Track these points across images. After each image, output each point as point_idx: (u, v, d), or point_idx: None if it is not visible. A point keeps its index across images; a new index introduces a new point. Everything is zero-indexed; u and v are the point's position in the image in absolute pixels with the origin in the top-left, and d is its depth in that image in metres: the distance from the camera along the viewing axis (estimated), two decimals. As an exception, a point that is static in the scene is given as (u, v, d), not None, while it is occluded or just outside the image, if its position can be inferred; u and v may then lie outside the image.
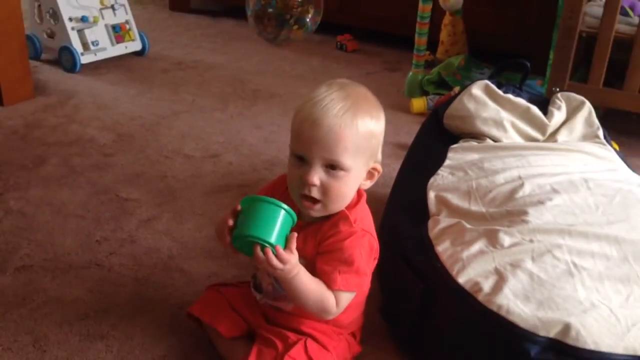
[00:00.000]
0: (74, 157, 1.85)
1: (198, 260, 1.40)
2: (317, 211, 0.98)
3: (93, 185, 1.70)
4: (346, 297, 0.99)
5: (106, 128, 2.05)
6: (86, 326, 1.19)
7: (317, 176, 0.94)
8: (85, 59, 2.51)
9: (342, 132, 0.92)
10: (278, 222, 0.93)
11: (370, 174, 1.02)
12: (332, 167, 0.95)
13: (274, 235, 0.92)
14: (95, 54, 2.56)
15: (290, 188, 1.00)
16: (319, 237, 1.00)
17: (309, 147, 0.94)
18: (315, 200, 0.97)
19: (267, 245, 0.91)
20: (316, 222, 1.02)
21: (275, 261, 0.91)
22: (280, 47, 2.96)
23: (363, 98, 0.97)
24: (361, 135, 0.94)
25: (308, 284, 0.96)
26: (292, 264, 0.93)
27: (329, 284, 0.98)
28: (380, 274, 1.30)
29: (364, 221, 1.02)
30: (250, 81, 2.53)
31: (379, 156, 1.02)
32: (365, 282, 1.02)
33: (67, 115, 2.13)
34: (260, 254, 0.91)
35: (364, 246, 0.99)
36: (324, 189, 0.95)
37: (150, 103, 2.27)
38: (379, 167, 1.02)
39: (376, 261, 1.05)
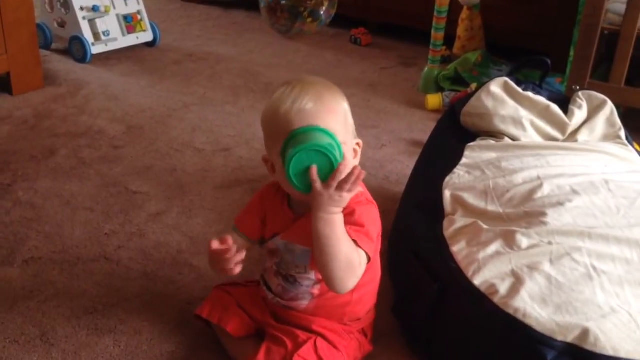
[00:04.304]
0: (84, 149, 1.83)
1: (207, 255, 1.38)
2: None
3: (102, 177, 1.69)
4: (364, 258, 0.97)
5: (116, 120, 2.04)
6: (94, 320, 1.18)
7: None
8: (96, 49, 2.50)
9: (331, 107, 0.95)
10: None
11: (355, 152, 1.01)
12: None
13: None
14: (106, 44, 2.54)
15: (286, 186, 0.97)
16: None
17: None
18: None
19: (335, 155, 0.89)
20: None
21: (343, 174, 0.89)
22: (293, 39, 2.94)
23: (325, 83, 1.00)
24: (342, 111, 0.98)
25: (344, 232, 0.94)
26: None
27: None
28: (394, 272, 1.28)
29: (366, 194, 1.03)
30: (262, 74, 2.51)
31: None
32: (373, 249, 1.00)
33: (77, 106, 2.12)
34: (336, 155, 0.89)
35: (370, 213, 1.00)
36: None
37: (161, 95, 2.26)
38: (360, 142, 1.02)
39: (380, 240, 1.03)
